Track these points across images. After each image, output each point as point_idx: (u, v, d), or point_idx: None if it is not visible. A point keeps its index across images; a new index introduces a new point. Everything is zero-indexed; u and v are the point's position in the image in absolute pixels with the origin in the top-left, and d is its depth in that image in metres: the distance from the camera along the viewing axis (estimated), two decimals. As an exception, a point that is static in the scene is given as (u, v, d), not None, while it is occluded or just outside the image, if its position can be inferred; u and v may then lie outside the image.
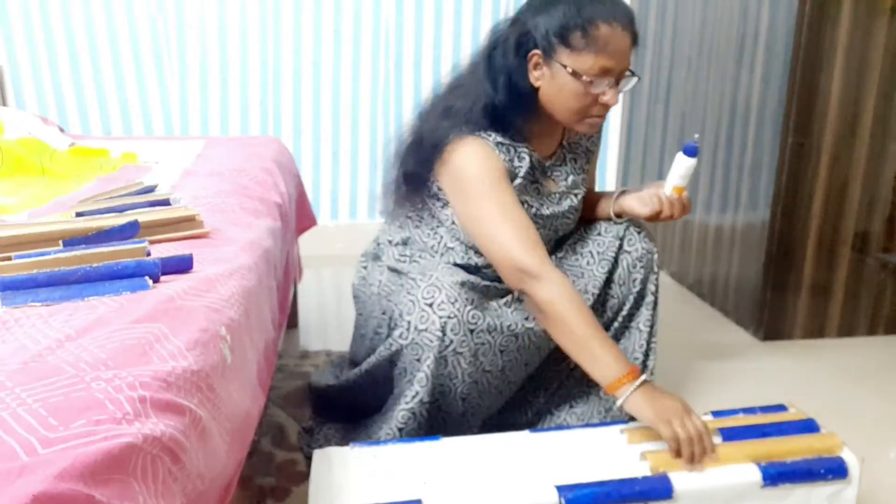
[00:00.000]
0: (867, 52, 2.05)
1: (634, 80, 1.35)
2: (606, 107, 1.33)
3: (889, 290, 2.26)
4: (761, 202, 2.19)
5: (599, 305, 1.54)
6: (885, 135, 2.12)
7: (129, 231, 1.09)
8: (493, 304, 1.40)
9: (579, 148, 1.53)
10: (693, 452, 1.13)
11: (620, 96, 1.35)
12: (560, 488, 1.08)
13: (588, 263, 1.53)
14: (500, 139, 1.38)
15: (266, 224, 1.37)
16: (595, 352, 1.24)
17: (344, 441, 1.45)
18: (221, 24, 2.82)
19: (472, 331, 1.31)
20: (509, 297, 1.44)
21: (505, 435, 1.31)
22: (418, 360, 1.31)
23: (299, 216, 2.03)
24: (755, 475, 1.14)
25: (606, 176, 3.26)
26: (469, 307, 1.31)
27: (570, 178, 1.50)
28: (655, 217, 1.45)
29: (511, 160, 1.39)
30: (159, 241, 1.13)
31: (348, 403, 1.57)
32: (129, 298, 0.87)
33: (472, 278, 1.38)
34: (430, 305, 1.29)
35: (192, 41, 2.83)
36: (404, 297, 1.34)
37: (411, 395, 1.32)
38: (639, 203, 1.48)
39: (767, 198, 2.16)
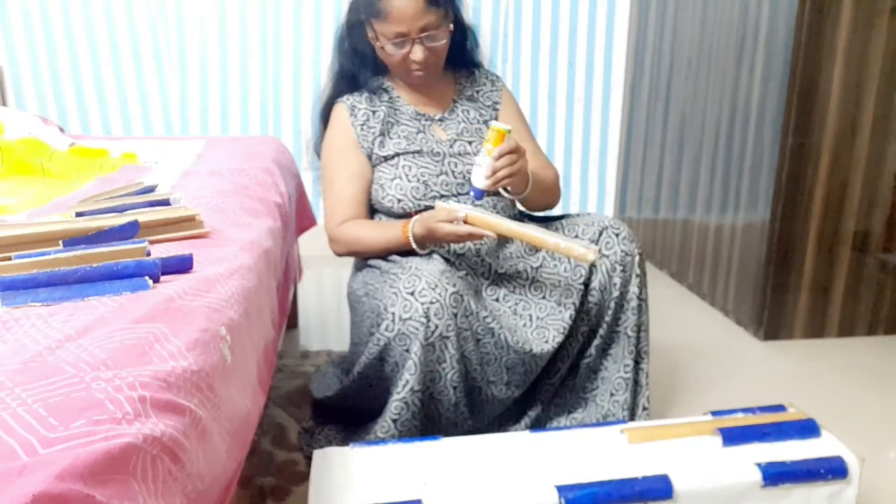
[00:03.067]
0: (867, 52, 2.05)
1: (446, 32, 1.50)
2: (421, 62, 1.49)
3: (889, 290, 2.26)
4: (761, 202, 2.19)
5: (583, 314, 1.51)
6: (885, 135, 2.12)
7: (129, 231, 1.09)
8: (471, 292, 1.43)
9: (474, 101, 1.65)
10: (464, 235, 1.38)
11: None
12: (560, 488, 1.08)
13: (565, 270, 1.51)
14: (356, 102, 1.58)
15: (266, 224, 1.37)
16: (387, 245, 1.50)
17: (344, 441, 1.45)
18: (221, 24, 2.82)
19: (455, 314, 1.33)
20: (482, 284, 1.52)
21: (505, 435, 1.31)
22: (407, 350, 1.32)
23: (299, 216, 2.03)
24: (755, 475, 1.14)
25: (607, 175, 3.26)
26: (451, 290, 1.33)
27: (462, 125, 1.61)
28: (496, 183, 1.42)
29: (365, 121, 1.57)
30: (159, 241, 1.13)
31: (349, 410, 1.57)
32: (129, 298, 0.87)
33: (450, 268, 1.40)
34: (412, 294, 1.32)
35: (192, 41, 2.83)
36: (387, 291, 1.36)
37: (402, 384, 1.33)
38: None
39: (767, 198, 2.16)
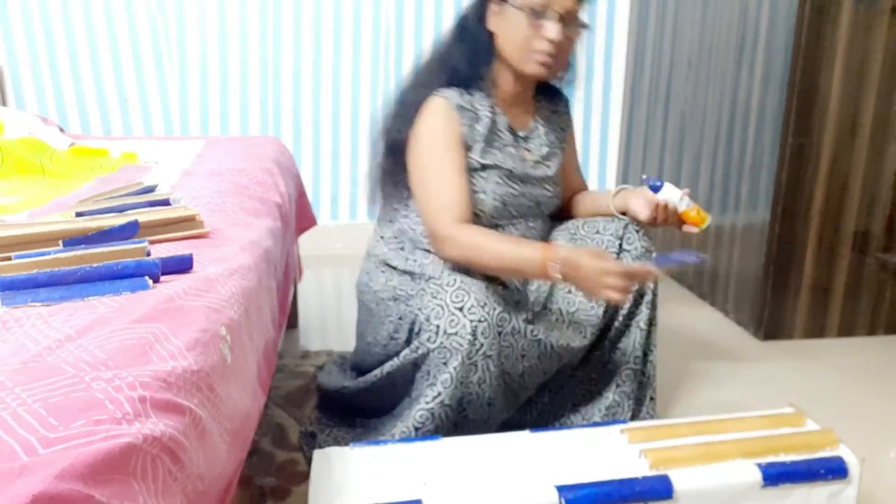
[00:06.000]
0: (867, 52, 2.05)
1: (583, 30, 1.46)
2: (552, 44, 1.41)
3: (889, 290, 2.25)
4: (761, 202, 2.19)
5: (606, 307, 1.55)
6: (885, 135, 2.12)
7: (129, 231, 1.09)
8: (513, 308, 1.43)
9: (550, 124, 1.61)
10: (625, 287, 1.26)
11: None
12: (560, 488, 1.08)
13: None
14: (460, 101, 1.46)
15: (266, 224, 1.37)
16: (516, 266, 1.37)
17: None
18: (221, 24, 2.82)
19: (500, 333, 1.32)
20: (529, 309, 1.51)
21: (505, 435, 1.31)
22: (445, 364, 1.30)
23: (299, 216, 2.03)
24: (755, 475, 1.14)
25: (606, 175, 3.26)
26: (498, 309, 1.32)
27: (545, 148, 1.57)
28: (652, 223, 1.53)
29: (471, 124, 1.46)
30: (159, 241, 1.13)
31: (359, 405, 1.56)
32: (129, 298, 0.87)
33: (493, 284, 1.40)
34: (461, 309, 1.29)
35: (192, 41, 2.83)
36: (430, 302, 1.33)
37: (433, 395, 1.32)
38: (641, 206, 1.53)
39: (767, 198, 2.16)
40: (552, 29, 1.39)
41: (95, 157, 1.89)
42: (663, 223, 1.53)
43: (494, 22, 1.45)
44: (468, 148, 1.46)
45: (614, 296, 1.26)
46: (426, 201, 1.43)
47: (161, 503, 0.63)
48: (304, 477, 1.43)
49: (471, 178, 1.46)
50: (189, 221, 1.17)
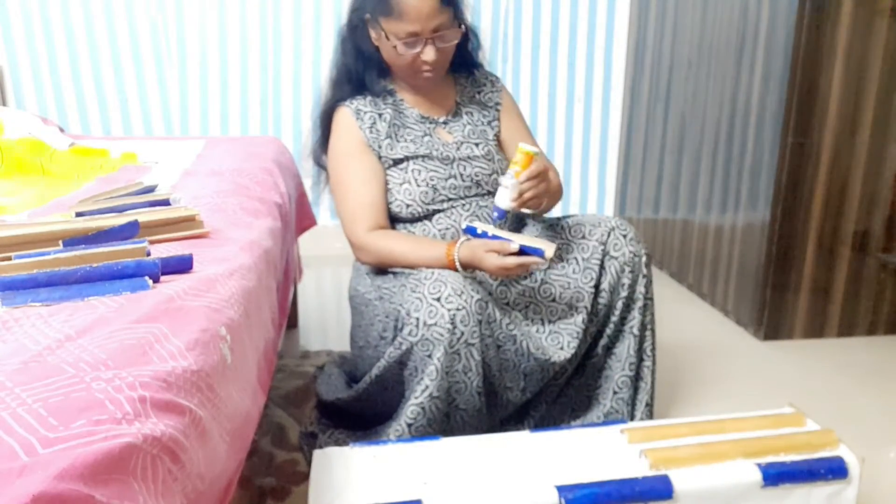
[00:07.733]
0: (867, 52, 2.05)
1: (457, 32, 1.48)
2: (430, 62, 1.46)
3: (889, 290, 2.25)
4: (761, 202, 2.19)
5: (592, 315, 1.52)
6: (885, 135, 2.12)
7: (129, 231, 1.09)
8: (492, 299, 1.43)
9: (476, 103, 1.65)
10: (513, 268, 1.34)
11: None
12: (560, 488, 1.08)
13: (574, 272, 1.51)
14: (361, 106, 1.55)
15: (266, 224, 1.37)
16: (426, 264, 1.42)
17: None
18: (221, 24, 2.82)
19: (479, 321, 1.33)
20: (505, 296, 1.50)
21: (505, 435, 1.31)
22: (429, 356, 1.31)
23: (299, 216, 2.03)
24: (755, 475, 1.14)
25: (607, 175, 3.26)
26: (476, 297, 1.32)
27: (468, 128, 1.61)
28: (522, 204, 1.42)
29: (372, 124, 1.54)
30: (159, 241, 1.13)
31: (357, 414, 1.56)
32: (129, 298, 0.87)
33: (471, 274, 1.41)
34: (438, 300, 1.30)
35: (192, 41, 2.83)
36: (409, 296, 1.35)
37: (421, 389, 1.32)
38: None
39: (767, 198, 2.16)
40: (427, 53, 1.46)
41: (95, 157, 1.89)
42: (537, 198, 1.41)
43: (375, 38, 1.50)
44: (377, 150, 1.54)
45: (502, 274, 1.37)
46: (340, 214, 1.56)
47: (161, 503, 0.63)
48: (304, 477, 1.43)
49: (391, 174, 1.54)
50: (189, 221, 1.17)
